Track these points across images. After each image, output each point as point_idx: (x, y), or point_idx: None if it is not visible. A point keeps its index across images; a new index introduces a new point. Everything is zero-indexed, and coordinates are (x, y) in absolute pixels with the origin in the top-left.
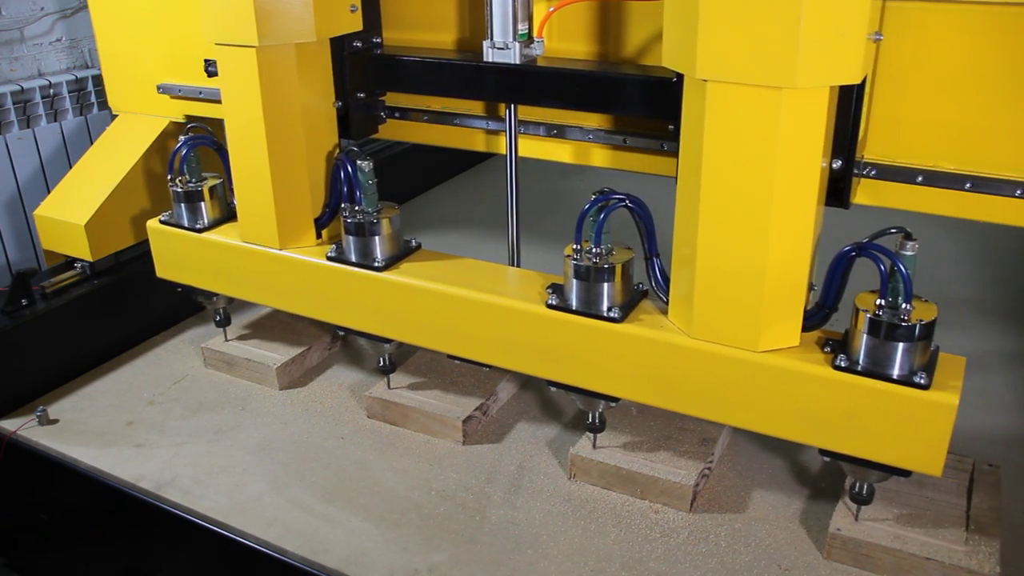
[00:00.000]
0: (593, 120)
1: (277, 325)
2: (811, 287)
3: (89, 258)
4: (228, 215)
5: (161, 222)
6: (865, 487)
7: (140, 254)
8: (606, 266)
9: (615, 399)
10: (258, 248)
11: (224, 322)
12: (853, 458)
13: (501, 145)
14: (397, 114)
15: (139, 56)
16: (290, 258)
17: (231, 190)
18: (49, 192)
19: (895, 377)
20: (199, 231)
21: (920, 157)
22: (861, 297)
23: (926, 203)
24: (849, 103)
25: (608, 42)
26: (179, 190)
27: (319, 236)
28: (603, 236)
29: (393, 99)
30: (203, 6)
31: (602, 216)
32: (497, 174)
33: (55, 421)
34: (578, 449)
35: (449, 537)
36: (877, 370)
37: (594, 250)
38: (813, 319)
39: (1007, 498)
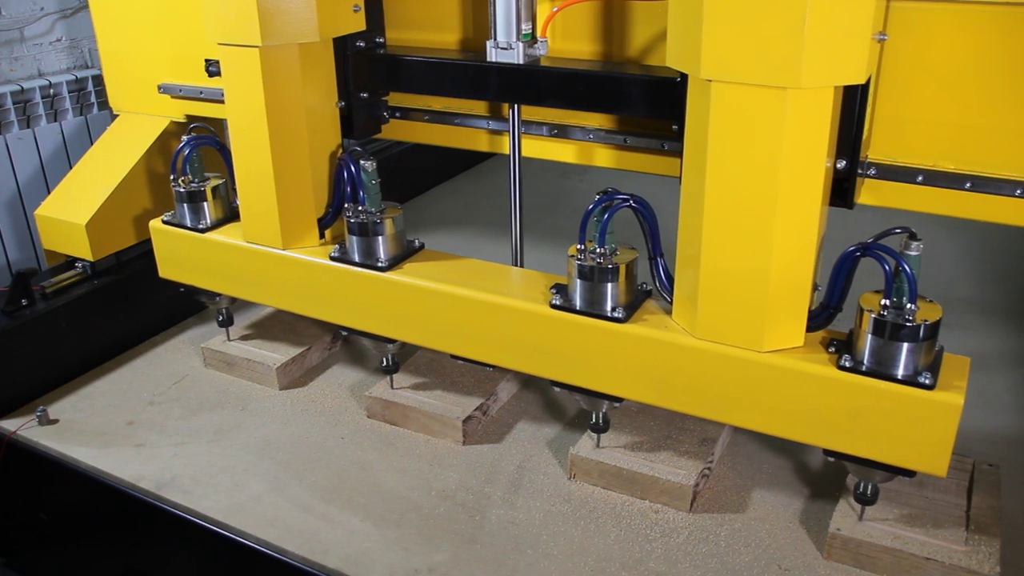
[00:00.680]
0: (596, 120)
1: (277, 325)
2: (815, 287)
3: (90, 258)
4: (231, 215)
5: (164, 222)
6: (869, 487)
7: (141, 254)
8: (610, 266)
9: (619, 399)
10: (261, 248)
11: (227, 322)
12: (857, 458)
13: (504, 145)
14: (399, 114)
15: (140, 56)
16: (293, 258)
17: (234, 190)
18: (49, 192)
19: (900, 377)
20: (202, 231)
21: (922, 157)
22: (866, 297)
23: (928, 203)
24: (853, 103)
25: (612, 42)
26: (182, 190)
27: (322, 236)
28: (607, 236)
29: (395, 99)
30: (205, 6)
31: (606, 216)
32: (496, 174)
33: (55, 421)
34: (578, 449)
35: (449, 537)
36: (882, 370)
37: (598, 250)
38: (817, 319)
39: (1007, 498)
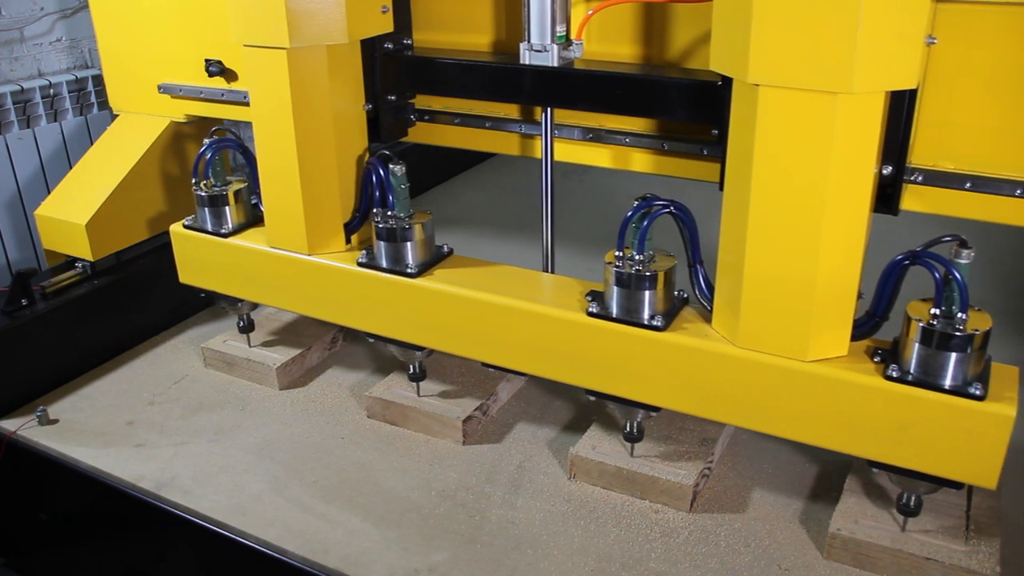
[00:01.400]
0: (631, 124)
1: (277, 325)
2: (859, 295)
3: (90, 258)
4: (253, 220)
5: (185, 226)
6: (913, 499)
7: (141, 254)
8: (649, 274)
9: (656, 408)
10: (286, 254)
11: (247, 328)
12: (903, 470)
13: (534, 149)
14: (427, 117)
15: (140, 56)
16: (319, 264)
17: (257, 194)
18: (49, 192)
19: (948, 388)
20: (224, 236)
21: (967, 162)
22: (913, 306)
23: (973, 209)
24: (901, 108)
25: (649, 44)
26: (203, 194)
27: (348, 241)
28: (646, 243)
29: (421, 101)
30: (231, 7)
31: (645, 223)
32: (495, 174)
33: (55, 421)
34: (578, 449)
35: (449, 537)
36: (930, 380)
37: (636, 257)
38: (862, 328)
39: (1007, 498)
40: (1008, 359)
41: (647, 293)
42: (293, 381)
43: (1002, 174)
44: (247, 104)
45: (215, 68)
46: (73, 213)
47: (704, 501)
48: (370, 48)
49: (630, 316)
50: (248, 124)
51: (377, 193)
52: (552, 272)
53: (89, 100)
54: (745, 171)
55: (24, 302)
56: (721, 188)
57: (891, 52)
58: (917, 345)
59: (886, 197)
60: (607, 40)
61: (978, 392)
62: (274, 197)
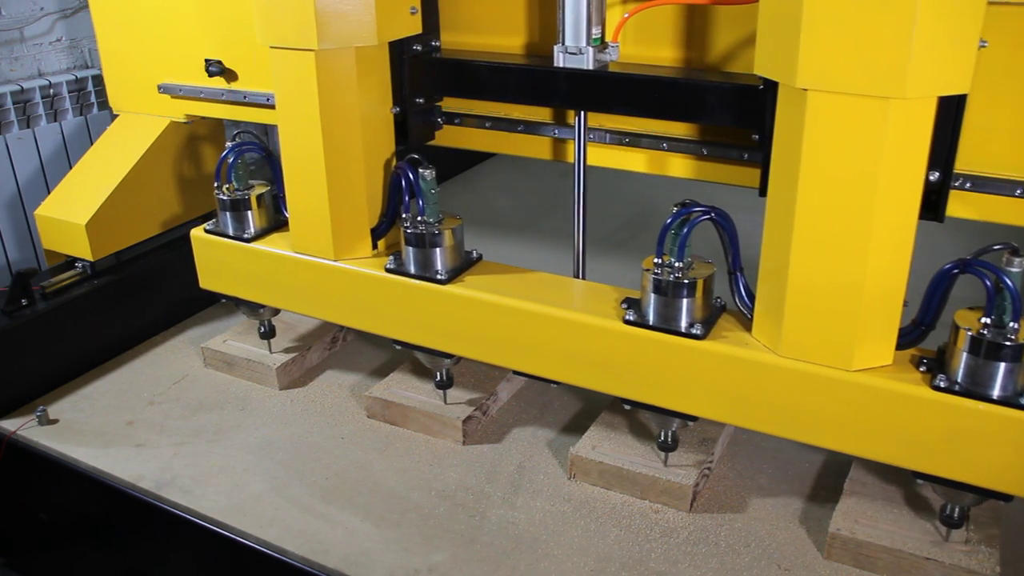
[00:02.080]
0: (666, 128)
1: (278, 325)
2: (904, 303)
3: (90, 258)
4: (275, 224)
5: (206, 231)
6: (957, 510)
7: (141, 254)
8: (688, 281)
9: (693, 418)
10: (311, 259)
11: (269, 334)
12: (949, 481)
13: (565, 152)
14: (457, 120)
15: (140, 56)
16: (346, 270)
17: (282, 198)
18: (49, 192)
19: (997, 398)
20: (247, 241)
21: (1014, 167)
22: (961, 314)
23: (1019, 215)
24: (950, 112)
25: (686, 47)
26: (225, 198)
27: (375, 247)
28: (686, 250)
29: (448, 104)
30: (257, 8)
31: (685, 230)
32: (495, 174)
33: (55, 421)
34: (578, 449)
35: (449, 537)
36: (978, 391)
37: (676, 264)
38: (908, 337)
39: None
40: None
41: (686, 301)
42: (293, 381)
43: None
44: (247, 104)
45: (215, 68)
46: (73, 213)
47: (704, 501)
48: (398, 50)
49: (668, 324)
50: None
51: (407, 197)
52: (584, 278)
53: (89, 100)
54: (791, 177)
55: (24, 302)
56: (761, 193)
57: (945, 56)
58: (965, 355)
59: (932, 204)
60: (643, 43)
61: None
62: (300, 201)
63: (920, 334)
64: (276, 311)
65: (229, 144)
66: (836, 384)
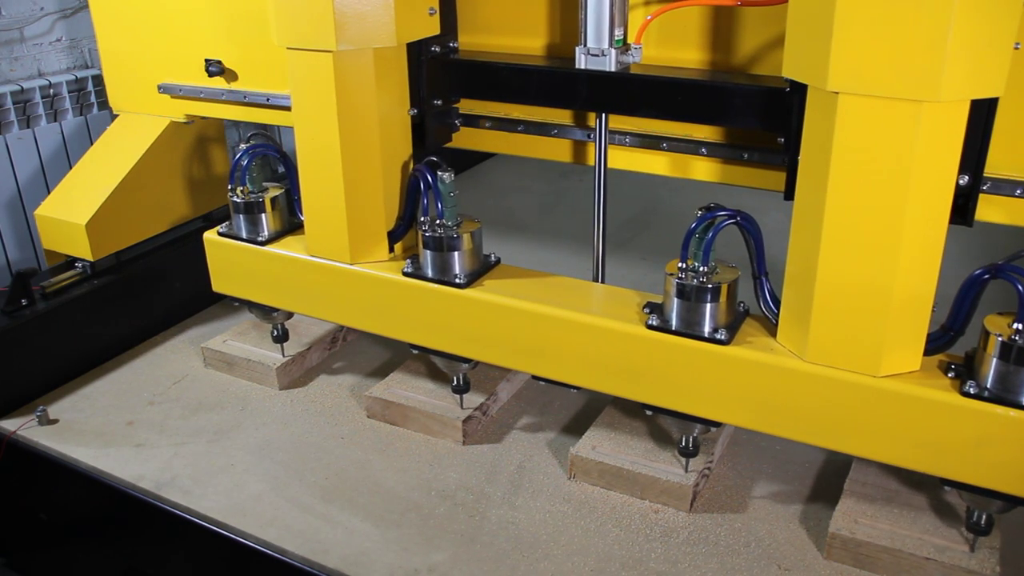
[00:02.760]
0: (687, 130)
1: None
2: (932, 308)
3: (90, 258)
4: (289, 227)
5: (220, 234)
6: (984, 517)
7: (141, 254)
8: (713, 286)
9: (716, 424)
10: (327, 263)
11: (281, 338)
12: (978, 488)
13: (585, 155)
14: (481, 122)
15: (140, 56)
16: (362, 273)
17: (296, 201)
18: (49, 192)
19: None
20: (261, 244)
21: None
22: (991, 319)
23: None
24: (982, 115)
25: (710, 49)
26: (239, 200)
27: (391, 250)
28: (711, 254)
29: (464, 106)
30: (274, 9)
31: (710, 234)
32: (495, 175)
33: (55, 421)
34: (578, 449)
35: (449, 537)
36: (1008, 397)
37: (701, 269)
38: (937, 342)
39: None
40: None
41: (710, 306)
42: (293, 381)
43: None
44: (247, 104)
45: (215, 68)
46: (73, 213)
47: (704, 501)
48: (416, 51)
49: (691, 329)
50: (248, 124)
51: (424, 200)
52: (603, 282)
53: (89, 100)
54: (819, 180)
55: (24, 302)
56: (787, 197)
57: (980, 59)
58: (995, 360)
59: (961, 208)
60: (666, 44)
61: None
62: (316, 204)
63: (949, 340)
64: (289, 315)
65: (243, 146)
66: (863, 390)
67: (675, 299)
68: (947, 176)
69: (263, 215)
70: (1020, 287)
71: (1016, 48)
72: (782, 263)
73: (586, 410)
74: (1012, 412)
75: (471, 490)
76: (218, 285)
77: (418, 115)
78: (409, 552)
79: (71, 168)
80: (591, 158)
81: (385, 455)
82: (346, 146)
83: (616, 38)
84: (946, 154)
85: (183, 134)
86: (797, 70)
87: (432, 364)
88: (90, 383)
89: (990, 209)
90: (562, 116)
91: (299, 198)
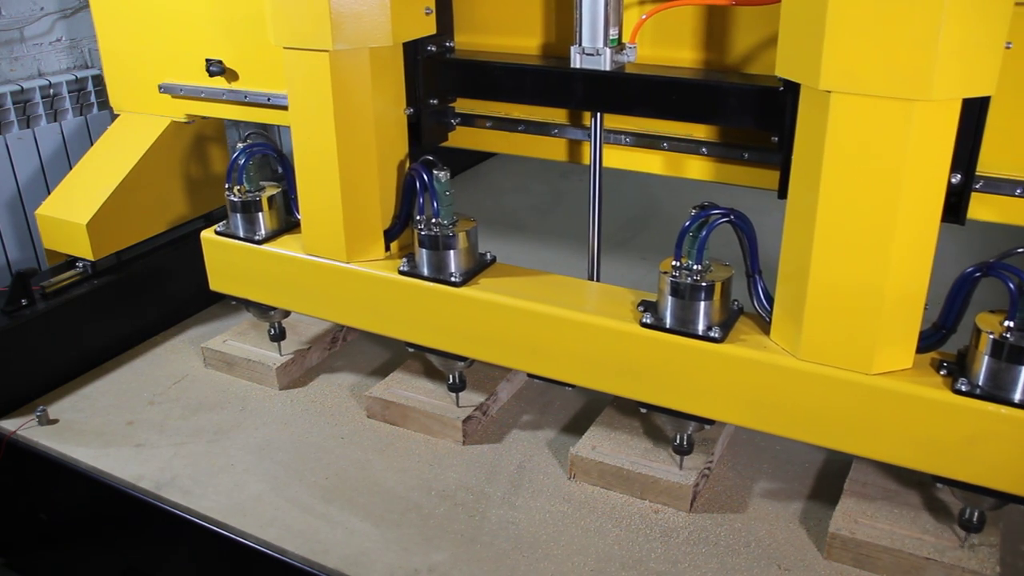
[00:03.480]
0: (682, 129)
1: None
2: (924, 306)
3: (91, 257)
4: (286, 226)
5: (217, 232)
6: (976, 514)
7: (141, 254)
8: (707, 284)
9: (710, 421)
10: (323, 261)
11: (279, 337)
12: (970, 485)
13: (581, 154)
14: (485, 122)
15: (141, 55)
16: (358, 272)
17: (293, 199)
18: (49, 192)
19: (1019, 401)
20: (257, 243)
21: None
22: (983, 317)
23: None
24: (973, 114)
25: (704, 49)
26: (236, 199)
27: (387, 249)
28: (704, 252)
29: (461, 105)
30: (270, 9)
31: (704, 232)
32: (496, 175)
33: (55, 421)
34: (578, 449)
35: (449, 537)
36: (1000, 394)
37: (694, 267)
38: (929, 340)
39: None
40: None
41: (704, 304)
42: (293, 381)
43: None
44: (248, 104)
45: (216, 68)
46: (74, 213)
47: (704, 501)
48: (412, 51)
49: (685, 327)
50: (248, 124)
51: (420, 199)
52: (598, 280)
53: (89, 100)
54: (812, 179)
55: (24, 302)
56: (781, 196)
57: (971, 58)
58: (987, 358)
59: (953, 206)
60: (661, 44)
61: None
62: (312, 203)
63: (941, 337)
64: (287, 313)
65: (240, 145)
66: (856, 387)
67: (669, 297)
68: (939, 175)
69: (260, 214)
70: (1011, 285)
71: (1008, 47)
72: (778, 262)
73: (586, 410)
74: (1004, 409)
75: (471, 490)
76: (216, 284)
77: (414, 114)
78: (409, 552)
79: (71, 168)
80: (587, 157)
81: (385, 455)
82: (342, 145)
83: (611, 37)
84: (938, 153)
85: (184, 134)
86: (790, 69)
87: (432, 364)
88: (90, 383)
89: (983, 208)
90: (559, 115)
91: (296, 197)
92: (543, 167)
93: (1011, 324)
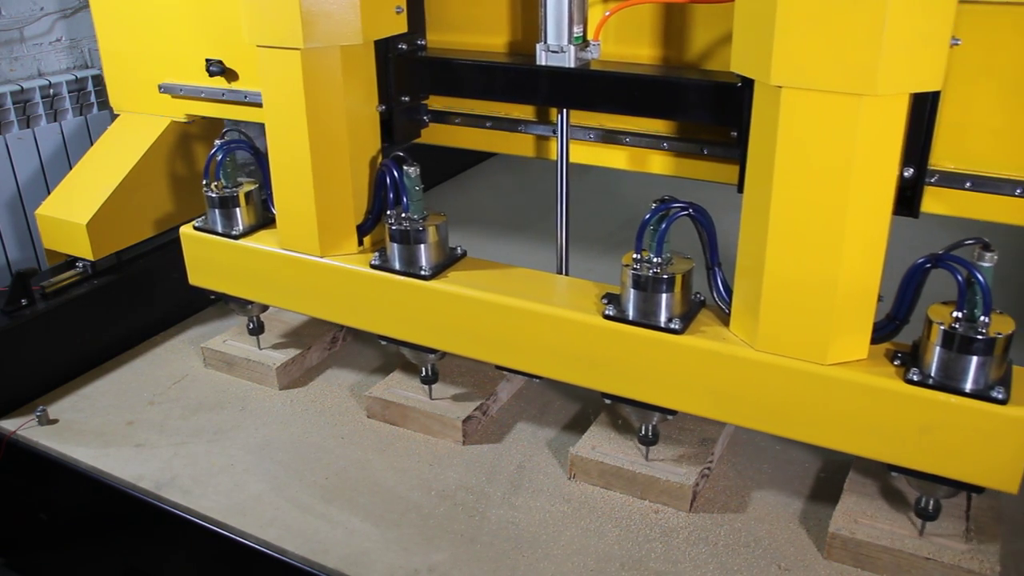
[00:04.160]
0: (646, 125)
1: (277, 325)
2: (880, 298)
3: (91, 257)
4: (264, 221)
5: (195, 228)
6: (931, 503)
7: (141, 254)
8: (667, 276)
9: (672, 412)
10: (298, 256)
11: (257, 330)
12: (924, 474)
13: (549, 150)
14: (452, 118)
15: (141, 55)
16: (332, 266)
17: (269, 195)
18: (49, 192)
19: (969, 391)
20: (235, 238)
21: (986, 164)
22: (934, 309)
23: (992, 211)
24: (924, 109)
25: (667, 46)
26: (214, 195)
27: (360, 243)
28: (664, 245)
29: (434, 102)
30: (244, 7)
31: (664, 225)
32: (496, 175)
33: (55, 421)
34: (578, 449)
35: (449, 537)
36: (951, 384)
37: (655, 260)
38: (883, 331)
39: (1007, 498)
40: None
41: (665, 296)
42: (293, 381)
43: (1021, 176)
44: (247, 104)
45: (215, 68)
46: (74, 213)
47: (704, 501)
48: (384, 49)
49: (647, 319)
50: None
51: (391, 194)
52: (567, 274)
53: (89, 100)
54: (766, 173)
55: (24, 302)
56: (740, 190)
57: (916, 54)
58: (938, 348)
59: (907, 200)
60: (624, 41)
61: (1000, 396)
62: (286, 199)
63: (894, 328)
64: (265, 307)
65: (218, 142)
66: (811, 377)
67: (631, 289)
68: (889, 169)
69: (237, 209)
70: (959, 276)
71: (956, 44)
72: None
73: (586, 410)
74: (954, 399)
75: (471, 490)
76: (194, 278)
77: (386, 111)
78: (409, 552)
79: (71, 168)
80: (555, 153)
81: (385, 455)
82: (315, 142)
83: (575, 35)
84: (887, 147)
85: (183, 134)
86: (744, 65)
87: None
88: (90, 383)
89: (937, 202)
90: (527, 112)
91: (271, 192)
92: (543, 167)
93: (960, 315)
